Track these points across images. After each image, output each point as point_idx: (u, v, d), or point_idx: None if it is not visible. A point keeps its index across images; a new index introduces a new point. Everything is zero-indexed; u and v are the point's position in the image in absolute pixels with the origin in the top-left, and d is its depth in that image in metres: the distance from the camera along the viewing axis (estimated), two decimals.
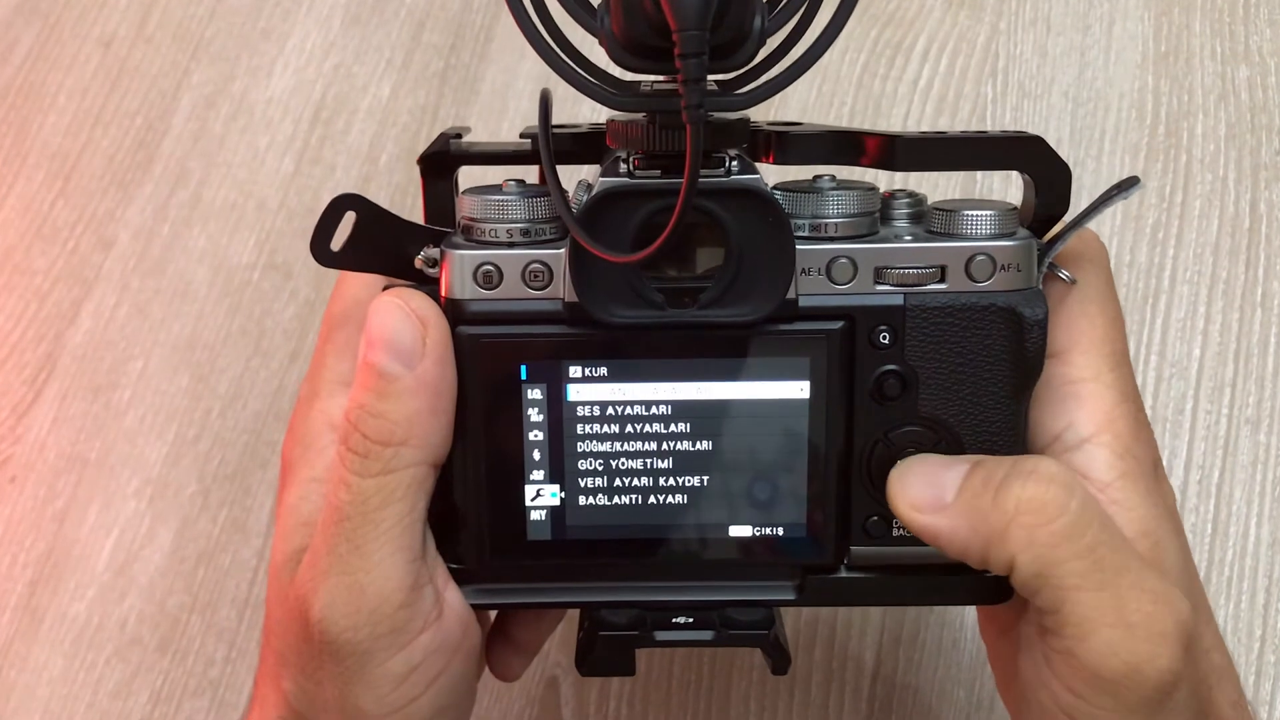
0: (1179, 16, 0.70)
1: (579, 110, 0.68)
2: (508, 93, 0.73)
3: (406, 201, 0.71)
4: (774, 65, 0.40)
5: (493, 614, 0.49)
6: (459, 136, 0.46)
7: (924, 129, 0.68)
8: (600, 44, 0.39)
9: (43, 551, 0.67)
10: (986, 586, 0.43)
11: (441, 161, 0.45)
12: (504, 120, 0.72)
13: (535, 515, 0.43)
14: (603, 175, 0.40)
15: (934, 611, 0.62)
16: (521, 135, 0.47)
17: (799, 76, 0.38)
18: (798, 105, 0.71)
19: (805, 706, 0.62)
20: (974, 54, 0.71)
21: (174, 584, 0.66)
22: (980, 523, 0.40)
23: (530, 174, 0.46)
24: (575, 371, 0.42)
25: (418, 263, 0.42)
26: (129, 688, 0.65)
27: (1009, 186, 0.67)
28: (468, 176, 0.46)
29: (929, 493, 0.41)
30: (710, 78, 0.37)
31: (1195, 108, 0.68)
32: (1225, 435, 0.63)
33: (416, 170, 0.45)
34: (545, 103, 0.41)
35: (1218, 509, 0.62)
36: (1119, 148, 0.68)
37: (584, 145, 0.45)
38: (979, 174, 0.67)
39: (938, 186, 0.67)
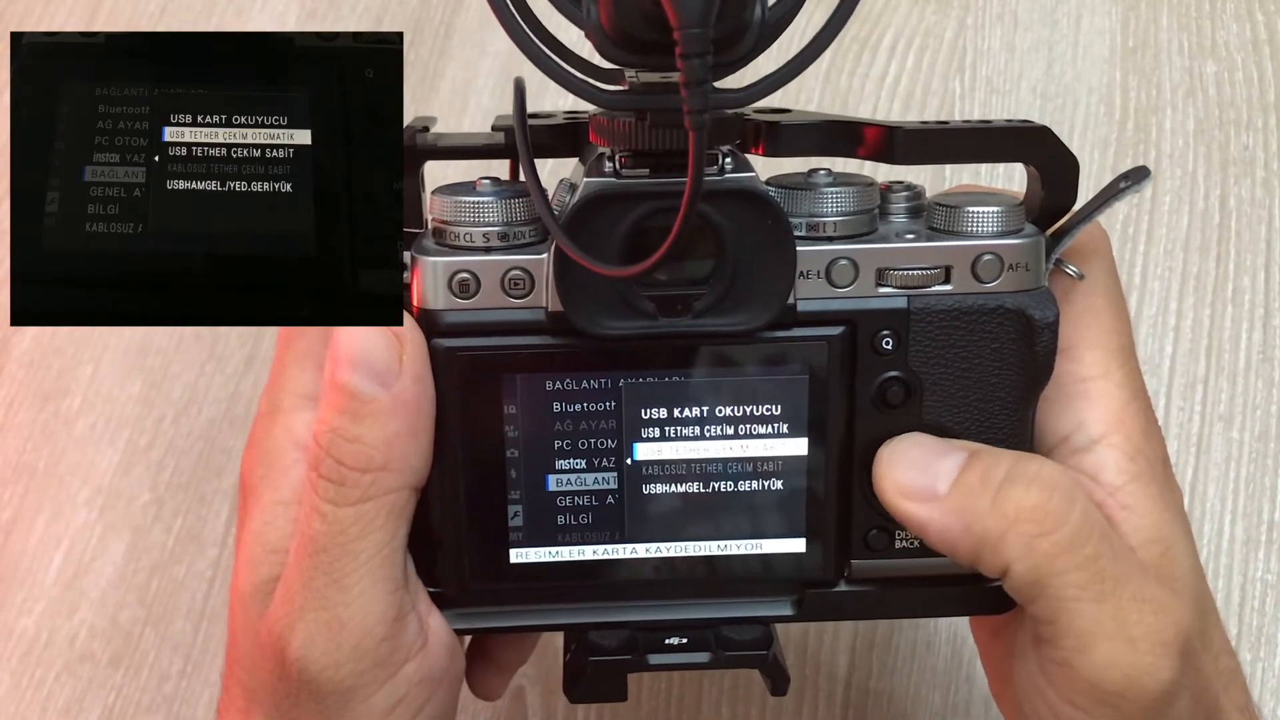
0: (1146, 11, 0.70)
1: (544, 99, 0.67)
2: (468, 89, 0.71)
3: None
4: (759, 54, 0.37)
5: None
6: (425, 130, 0.44)
7: None
8: (586, 36, 0.36)
9: None
10: (988, 597, 0.42)
11: (407, 156, 0.42)
12: (465, 117, 0.71)
13: (519, 536, 0.41)
14: (587, 175, 0.38)
15: None
16: (494, 128, 0.45)
17: (806, 67, 0.36)
18: (761, 102, 0.69)
19: (778, 714, 0.61)
20: (941, 49, 0.70)
21: (126, 596, 0.64)
22: (975, 523, 0.38)
23: (501, 169, 0.44)
24: (558, 385, 0.40)
25: None
26: (80, 705, 0.63)
27: (979, 176, 0.66)
28: (431, 173, 0.44)
29: (919, 480, 0.40)
30: None
31: (1164, 103, 0.68)
32: (1198, 433, 0.63)
33: None
34: (520, 92, 0.38)
35: (1191, 507, 0.62)
36: (1088, 143, 0.67)
37: (560, 138, 0.43)
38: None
39: (906, 175, 0.66)
